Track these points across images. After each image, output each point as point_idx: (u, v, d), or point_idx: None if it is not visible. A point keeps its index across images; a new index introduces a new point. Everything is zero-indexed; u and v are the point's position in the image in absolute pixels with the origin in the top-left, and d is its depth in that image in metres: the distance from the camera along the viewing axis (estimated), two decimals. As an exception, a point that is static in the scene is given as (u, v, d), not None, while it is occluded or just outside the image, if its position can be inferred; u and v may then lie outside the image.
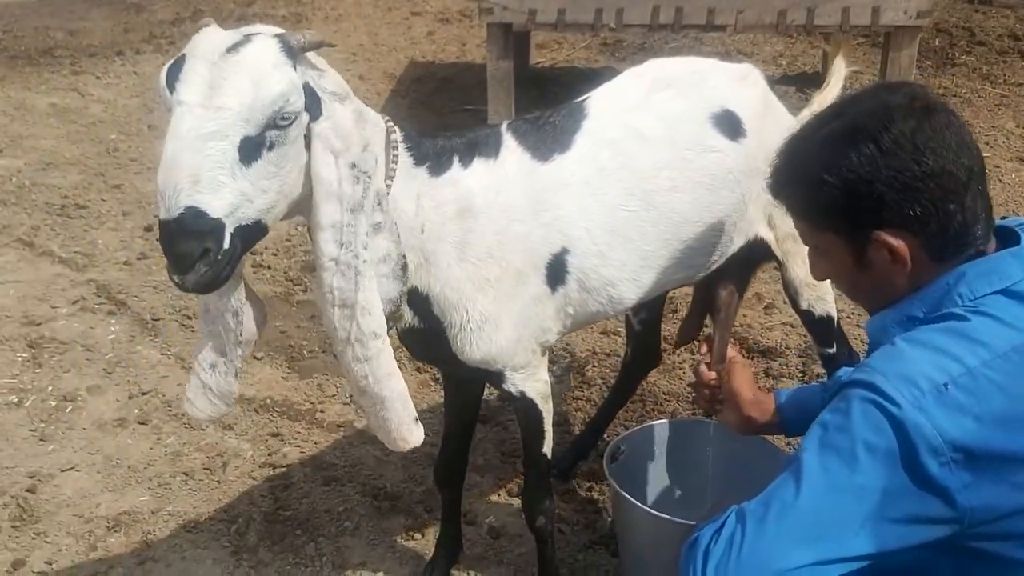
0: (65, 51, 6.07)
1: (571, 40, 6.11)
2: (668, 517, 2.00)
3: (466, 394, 2.32)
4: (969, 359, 1.30)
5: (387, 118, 1.77)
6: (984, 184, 1.42)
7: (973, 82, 5.34)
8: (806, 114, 2.37)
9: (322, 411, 3.10)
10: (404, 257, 1.72)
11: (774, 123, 2.17)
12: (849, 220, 1.42)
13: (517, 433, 2.94)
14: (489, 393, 2.80)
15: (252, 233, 1.54)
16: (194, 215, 1.43)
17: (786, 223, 2.24)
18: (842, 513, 1.29)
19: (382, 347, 1.68)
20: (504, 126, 1.95)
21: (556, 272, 1.93)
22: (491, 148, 1.88)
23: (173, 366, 3.28)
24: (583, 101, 2.02)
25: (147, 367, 3.27)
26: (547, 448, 2.14)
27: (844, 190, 1.39)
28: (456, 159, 1.84)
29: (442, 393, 3.09)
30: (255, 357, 3.34)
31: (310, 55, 1.58)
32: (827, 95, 2.39)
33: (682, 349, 3.33)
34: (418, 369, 3.26)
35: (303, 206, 1.62)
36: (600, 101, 2.02)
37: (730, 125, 2.06)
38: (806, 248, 2.31)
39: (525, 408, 2.06)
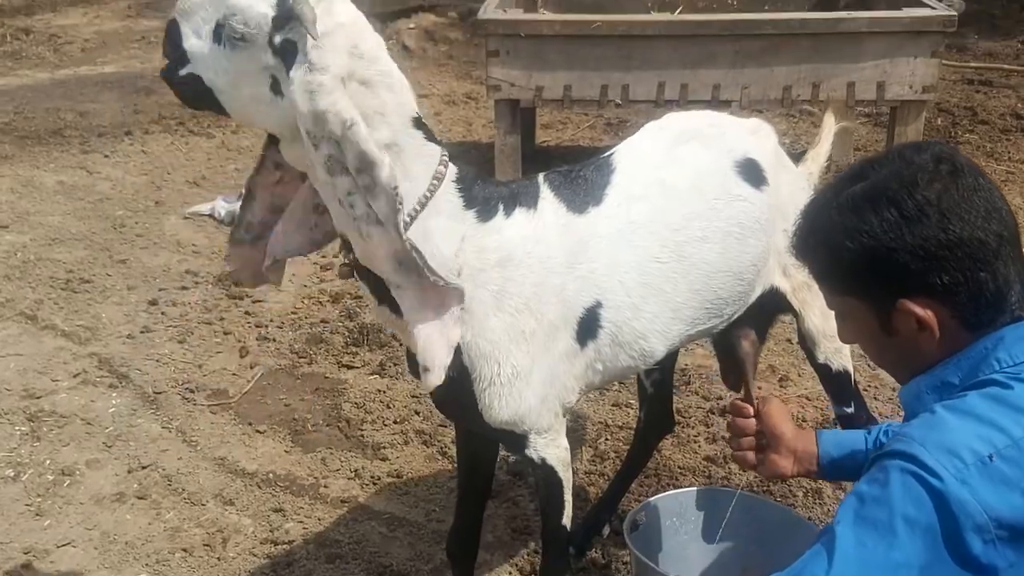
0: (75, 131, 6.13)
1: (575, 120, 6.18)
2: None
3: (481, 460, 2.25)
4: (1015, 430, 1.24)
5: (446, 152, 1.76)
6: (1018, 249, 1.36)
7: (978, 159, 5.36)
8: (802, 171, 2.38)
9: (326, 486, 3.01)
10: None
11: (787, 175, 2.18)
12: (872, 287, 1.38)
13: (528, 509, 2.85)
14: (498, 467, 2.72)
15: (205, 92, 1.68)
16: (174, 30, 1.66)
17: (801, 273, 2.21)
18: None
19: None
20: (541, 178, 1.93)
21: (588, 326, 1.89)
22: (530, 198, 1.87)
23: (174, 440, 3.20)
24: (610, 156, 2.02)
25: (148, 441, 3.19)
26: (567, 519, 2.05)
27: (865, 257, 1.35)
28: (501, 207, 1.82)
29: (451, 468, 3.02)
30: (257, 431, 3.27)
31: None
32: (819, 150, 2.43)
33: (695, 421, 3.26)
34: (425, 443, 3.18)
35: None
36: (626, 155, 2.01)
37: (753, 173, 2.06)
38: (821, 300, 2.28)
39: (545, 476, 1.99)
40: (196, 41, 1.64)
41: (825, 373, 2.35)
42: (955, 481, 1.21)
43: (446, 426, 3.25)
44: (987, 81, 6.70)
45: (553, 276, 1.83)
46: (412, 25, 8.10)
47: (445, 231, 1.73)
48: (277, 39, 1.58)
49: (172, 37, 1.66)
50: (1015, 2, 8.52)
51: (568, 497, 2.03)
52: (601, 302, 1.89)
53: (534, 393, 1.86)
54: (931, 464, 1.23)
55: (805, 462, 1.75)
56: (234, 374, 3.59)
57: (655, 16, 4.66)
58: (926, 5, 4.13)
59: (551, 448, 1.95)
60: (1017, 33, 7.55)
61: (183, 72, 1.67)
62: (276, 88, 1.62)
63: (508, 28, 4.16)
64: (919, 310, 1.34)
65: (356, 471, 3.06)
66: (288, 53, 1.58)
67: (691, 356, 3.56)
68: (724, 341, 2.23)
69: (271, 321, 3.94)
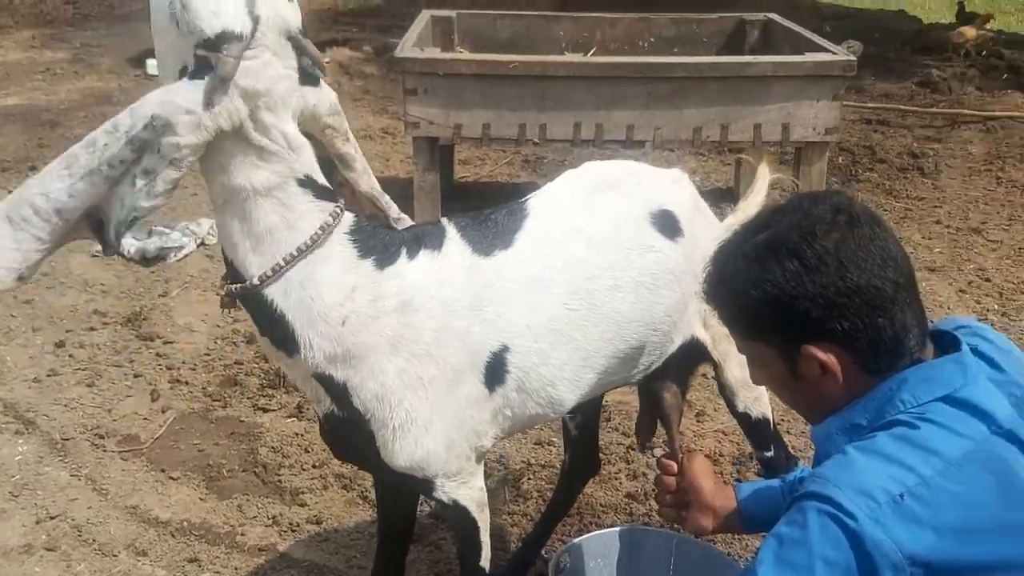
0: (-25, 165, 5.92)
1: (494, 157, 6.23)
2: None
3: (400, 503, 2.23)
4: (923, 468, 1.29)
5: (341, 203, 1.76)
6: (914, 294, 1.42)
7: (877, 197, 5.60)
8: (731, 221, 2.42)
9: (243, 534, 2.94)
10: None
11: (704, 225, 2.22)
12: (777, 333, 1.43)
13: (451, 553, 2.83)
14: (420, 510, 2.70)
15: None
16: None
17: (721, 325, 2.26)
18: None
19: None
20: (446, 220, 1.93)
21: (495, 371, 1.88)
22: (435, 241, 1.86)
23: (84, 488, 3.09)
24: (524, 201, 2.02)
25: (56, 490, 3.07)
26: (484, 561, 2.04)
27: (770, 305, 1.39)
28: (404, 251, 1.82)
29: (372, 512, 2.98)
30: (171, 477, 3.17)
31: None
32: (752, 201, 2.45)
33: (616, 458, 3.30)
34: (345, 487, 3.14)
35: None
36: (541, 202, 2.02)
37: (668, 225, 2.08)
38: None
39: (459, 518, 1.98)
40: None
41: (745, 421, 2.40)
42: (870, 521, 1.25)
43: (361, 475, 3.22)
44: (884, 121, 7.01)
45: (456, 319, 1.82)
46: (327, 59, 8.02)
47: (332, 280, 1.73)
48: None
49: None
50: (908, 45, 8.96)
51: (485, 538, 2.02)
52: (508, 347, 1.88)
53: (435, 439, 1.84)
54: (846, 505, 1.26)
55: (723, 519, 1.79)
56: (145, 418, 3.49)
57: (570, 58, 4.76)
58: (827, 51, 4.31)
59: (463, 489, 1.94)
60: (910, 75, 7.92)
61: None
62: None
63: (425, 67, 4.18)
64: (821, 355, 1.38)
65: (274, 518, 3.00)
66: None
67: (612, 393, 3.59)
68: (647, 394, 2.26)
69: (183, 363, 3.85)
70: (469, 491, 1.95)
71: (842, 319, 1.36)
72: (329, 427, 1.91)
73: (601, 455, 3.23)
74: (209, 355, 3.92)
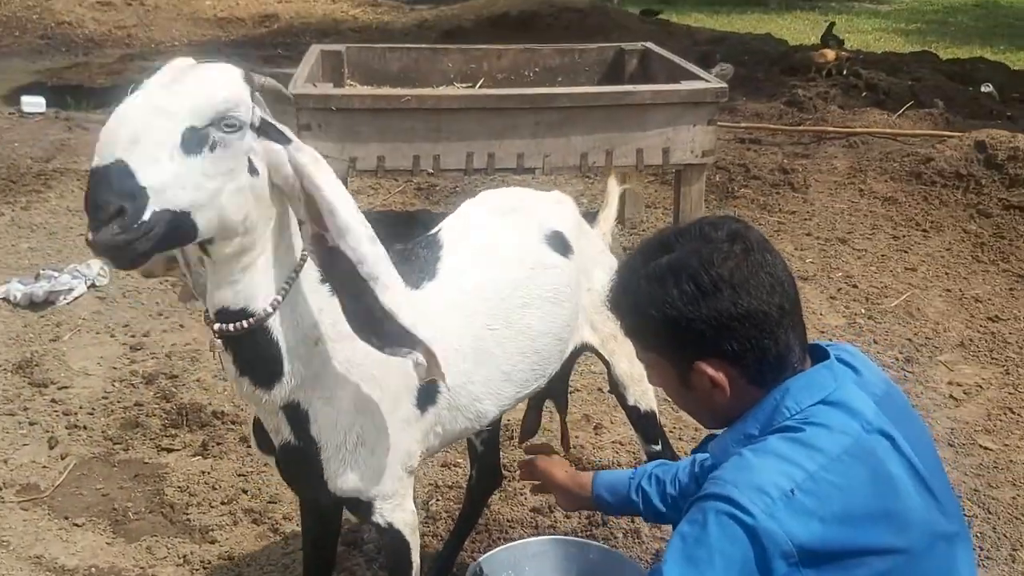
0: None
1: (387, 186, 6.31)
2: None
3: (326, 532, 2.31)
4: (809, 464, 1.43)
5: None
6: (798, 316, 1.56)
7: (753, 212, 5.92)
8: (596, 230, 2.65)
9: (154, 575, 2.93)
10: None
11: (587, 240, 2.45)
12: (673, 349, 1.56)
13: (366, 576, 2.90)
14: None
15: (179, 222, 1.53)
16: (121, 171, 1.45)
17: (607, 326, 2.46)
18: None
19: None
20: None
21: (427, 393, 2.01)
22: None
23: None
24: (436, 233, 2.17)
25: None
26: None
27: (668, 324, 1.52)
28: None
29: (285, 544, 3.02)
30: (75, 524, 3.14)
31: None
32: (608, 212, 2.77)
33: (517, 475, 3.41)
34: (255, 522, 3.16)
35: (256, 235, 1.67)
36: (450, 232, 2.18)
37: (560, 244, 2.29)
38: (628, 346, 2.55)
39: (392, 541, 2.07)
40: (157, 169, 1.48)
41: (635, 415, 2.60)
42: (765, 516, 1.38)
43: (276, 502, 3.25)
44: (756, 139, 7.39)
45: None
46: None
47: (307, 300, 1.81)
48: (256, 119, 1.62)
49: (118, 183, 1.45)
50: (776, 66, 9.46)
51: (416, 559, 2.12)
52: None
53: (379, 461, 1.95)
54: (743, 503, 1.40)
55: (580, 500, 2.09)
56: (44, 466, 3.43)
57: (461, 91, 4.89)
58: (701, 79, 4.57)
59: (397, 512, 2.04)
60: (779, 95, 8.36)
61: (146, 217, 1.46)
62: (252, 169, 1.63)
63: (319, 102, 4.24)
64: (711, 371, 1.53)
65: (184, 557, 3.00)
66: (266, 128, 1.64)
67: (514, 412, 3.72)
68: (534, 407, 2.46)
69: (80, 408, 3.79)
70: (403, 514, 2.05)
71: (732, 340, 1.50)
72: (284, 457, 1.97)
73: (505, 472, 3.36)
74: (107, 398, 3.87)
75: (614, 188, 2.78)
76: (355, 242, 1.65)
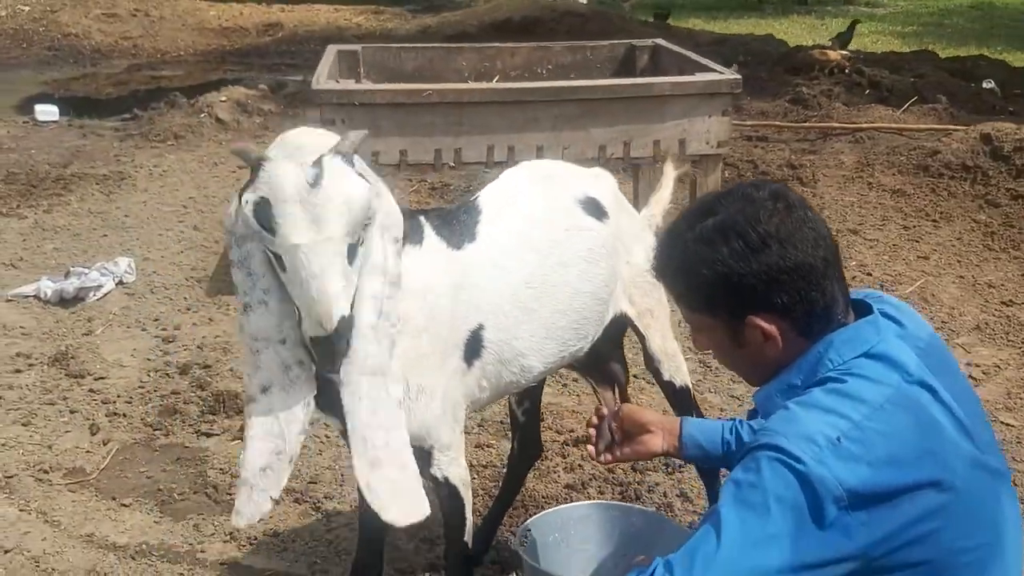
0: None
1: (401, 185, 6.40)
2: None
3: None
4: (853, 414, 1.49)
5: None
6: (839, 270, 1.63)
7: (764, 205, 6.01)
8: (647, 212, 2.72)
9: (203, 551, 3.01)
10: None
11: (626, 216, 2.53)
12: (725, 307, 1.62)
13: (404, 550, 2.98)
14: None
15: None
16: (343, 322, 1.71)
17: (644, 300, 2.55)
18: (759, 562, 1.44)
19: (403, 416, 1.82)
20: (422, 218, 2.14)
21: (473, 347, 2.12)
22: (416, 237, 2.06)
23: (35, 521, 3.10)
24: (475, 199, 2.27)
25: (6, 525, 3.07)
26: (468, 536, 2.24)
27: (719, 282, 1.58)
28: None
29: (328, 521, 3.10)
30: (122, 504, 3.22)
31: None
32: (662, 195, 2.81)
33: (553, 454, 3.50)
34: (297, 501, 3.24)
35: None
36: (490, 197, 2.27)
37: (595, 209, 2.39)
38: (663, 322, 2.62)
39: (449, 495, 2.17)
40: (349, 293, 1.74)
41: (670, 389, 2.68)
42: (815, 463, 1.45)
43: (316, 483, 3.33)
44: (763, 137, 7.50)
45: (443, 300, 2.05)
46: (223, 98, 8.10)
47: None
48: None
49: (343, 329, 1.73)
50: (778, 66, 9.58)
51: (469, 515, 2.21)
52: (484, 324, 2.13)
53: (439, 406, 2.05)
54: (794, 451, 1.46)
55: (671, 438, 2.01)
56: (88, 451, 3.51)
57: (482, 84, 4.99)
58: (714, 71, 4.67)
59: (453, 467, 2.14)
60: (783, 94, 8.47)
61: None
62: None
63: (343, 98, 4.34)
64: (765, 324, 1.59)
65: (231, 534, 3.08)
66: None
67: (543, 396, 3.81)
68: (598, 372, 2.52)
69: (118, 397, 3.87)
70: (458, 469, 2.15)
71: (782, 293, 1.56)
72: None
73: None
74: (143, 387, 3.95)
75: (670, 172, 2.84)
76: (357, 327, 1.81)
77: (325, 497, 3.26)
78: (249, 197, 1.68)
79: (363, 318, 1.76)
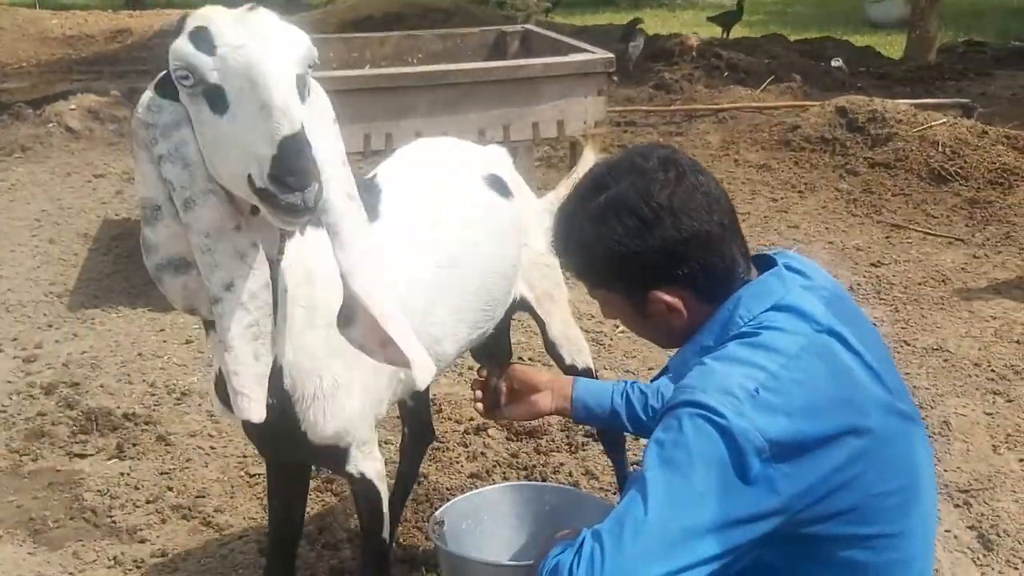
0: None
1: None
2: (510, 563, 2.03)
3: (296, 497, 2.26)
4: (770, 365, 1.47)
5: None
6: (737, 229, 1.61)
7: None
8: (552, 196, 2.65)
9: (86, 579, 2.79)
10: None
11: (525, 197, 2.45)
12: (625, 283, 1.58)
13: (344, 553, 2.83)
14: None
15: None
16: (304, 134, 1.43)
17: (544, 283, 2.48)
18: (688, 523, 1.40)
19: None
20: None
21: None
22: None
23: None
24: (373, 178, 2.12)
25: None
26: (386, 532, 2.12)
27: (617, 260, 1.54)
28: None
29: (220, 536, 2.92)
30: (-9, 538, 2.94)
31: None
32: (573, 179, 2.67)
33: (454, 444, 3.41)
34: (185, 517, 3.03)
35: None
36: (387, 178, 2.13)
37: (500, 186, 2.31)
38: (562, 306, 2.55)
39: (365, 491, 2.05)
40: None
41: (572, 372, 2.59)
42: (735, 415, 1.42)
43: (204, 496, 3.14)
44: (632, 121, 7.63)
45: None
46: (73, 106, 7.66)
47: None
48: None
49: (307, 145, 1.43)
50: (642, 53, 9.77)
51: (386, 510, 2.10)
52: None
53: (356, 404, 1.92)
54: (714, 405, 1.42)
55: (561, 399, 2.00)
56: (-55, 485, 3.20)
57: (353, 72, 4.84)
58: (587, 51, 4.68)
59: (368, 462, 2.01)
60: (647, 80, 8.65)
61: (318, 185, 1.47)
62: None
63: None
64: (667, 297, 1.56)
65: (115, 558, 2.86)
66: None
67: (438, 386, 3.72)
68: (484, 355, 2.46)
69: (-24, 425, 3.56)
70: (373, 463, 2.03)
71: (682, 265, 1.53)
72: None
73: (439, 443, 3.37)
74: (5, 411, 3.65)
75: (590, 157, 2.72)
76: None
77: (215, 511, 3.07)
78: (180, 40, 1.49)
79: (337, 194, 1.63)
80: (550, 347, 2.57)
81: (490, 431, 3.49)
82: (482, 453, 3.36)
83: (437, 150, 2.32)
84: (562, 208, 1.67)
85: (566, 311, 2.57)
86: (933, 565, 1.68)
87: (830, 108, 6.77)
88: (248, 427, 1.96)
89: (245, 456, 3.37)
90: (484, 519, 2.42)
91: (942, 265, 4.93)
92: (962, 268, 4.90)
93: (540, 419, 3.54)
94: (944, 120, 6.32)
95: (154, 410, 3.66)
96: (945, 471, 3.13)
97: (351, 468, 2.00)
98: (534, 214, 2.46)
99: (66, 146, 7.15)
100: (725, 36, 10.52)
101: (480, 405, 2.04)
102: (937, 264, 4.95)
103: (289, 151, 1.42)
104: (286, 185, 1.43)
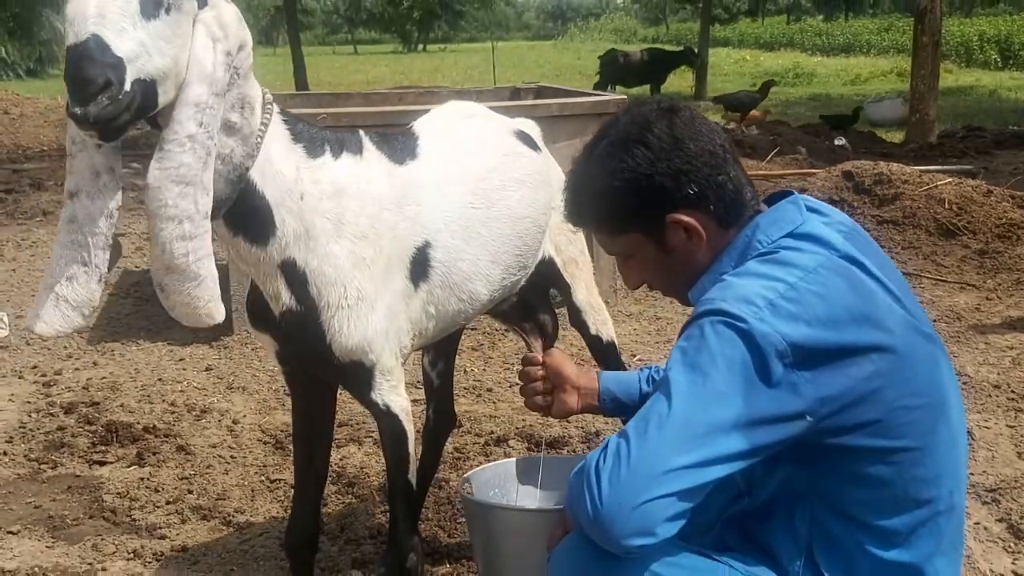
0: None
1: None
2: (539, 508, 2.02)
3: (321, 417, 2.24)
4: (788, 277, 1.52)
5: (266, 90, 1.84)
6: (739, 159, 1.69)
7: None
8: None
9: (104, 569, 2.74)
10: (245, 168, 1.76)
11: (554, 165, 2.54)
12: (642, 214, 1.64)
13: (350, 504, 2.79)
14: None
15: (147, 92, 1.56)
16: (99, 44, 1.49)
17: (570, 249, 2.54)
18: (713, 418, 1.43)
19: (208, 228, 1.67)
20: (362, 133, 2.06)
21: (420, 267, 2.03)
22: (355, 147, 1.99)
23: (-93, 552, 2.76)
24: (409, 128, 2.21)
25: None
26: (412, 475, 2.11)
27: (631, 189, 1.61)
28: (328, 148, 1.93)
29: (240, 534, 2.89)
30: (9, 532, 2.91)
31: None
32: None
33: (475, 454, 3.39)
34: (204, 518, 3.00)
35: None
36: (424, 127, 2.23)
37: (528, 140, 2.42)
38: (587, 273, 2.59)
39: (391, 426, 2.05)
40: (126, 39, 1.51)
41: (597, 344, 2.64)
42: (756, 320, 1.46)
43: (224, 498, 3.12)
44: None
45: (385, 212, 1.97)
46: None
47: (283, 157, 1.83)
48: None
49: (100, 55, 1.48)
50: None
51: (412, 450, 2.09)
52: (430, 242, 2.05)
53: (379, 320, 1.95)
54: (734, 311, 1.47)
55: (588, 397, 1.97)
56: (-36, 490, 3.19)
57: (372, 108, 5.00)
58: (600, 94, 4.84)
59: (394, 395, 2.03)
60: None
61: (126, 88, 1.51)
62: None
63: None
64: (685, 218, 1.61)
65: (135, 551, 2.82)
66: None
67: (460, 403, 3.71)
68: (525, 320, 2.47)
69: (-2, 437, 3.56)
70: (399, 398, 2.04)
71: (691, 184, 1.60)
72: (284, 324, 1.95)
73: (459, 454, 3.36)
74: (24, 427, 3.65)
75: None
76: (174, 132, 1.62)
77: (235, 511, 3.04)
78: None
79: (183, 126, 1.60)
80: (574, 315, 2.60)
81: (510, 442, 3.48)
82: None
83: (469, 109, 2.43)
84: (572, 167, 1.74)
85: (590, 279, 2.61)
86: (964, 491, 1.68)
87: (836, 173, 6.89)
88: (277, 339, 1.98)
89: (265, 465, 3.35)
90: (511, 490, 2.41)
91: (956, 306, 4.97)
92: (976, 308, 4.94)
93: (561, 428, 3.56)
94: (949, 180, 6.45)
95: (174, 425, 3.66)
96: (972, 474, 3.10)
97: (376, 397, 2.01)
98: (560, 179, 2.53)
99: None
100: (740, 119, 10.75)
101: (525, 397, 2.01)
102: (951, 305, 4.99)
103: (69, 60, 1.50)
104: (71, 94, 1.50)
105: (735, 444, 1.43)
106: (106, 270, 1.70)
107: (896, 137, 11.72)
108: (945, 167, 7.64)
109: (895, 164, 6.83)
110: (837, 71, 24.51)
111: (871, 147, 10.32)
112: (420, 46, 47.43)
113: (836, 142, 9.50)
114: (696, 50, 18.54)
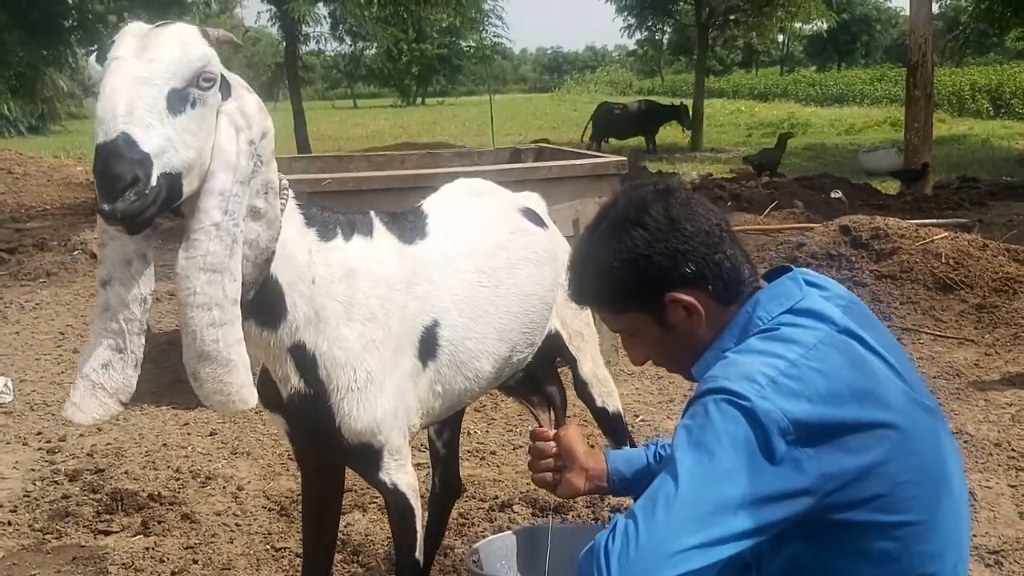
0: None
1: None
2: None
3: (329, 497, 2.27)
4: (789, 354, 1.55)
5: (282, 176, 1.88)
6: (736, 237, 1.73)
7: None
8: None
9: (109, 644, 2.73)
10: (271, 252, 1.80)
11: (559, 240, 2.58)
12: (642, 293, 1.68)
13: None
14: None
15: (173, 185, 1.60)
16: (127, 141, 1.53)
17: (576, 322, 2.57)
18: (719, 497, 1.45)
19: (238, 313, 1.70)
20: (372, 214, 2.11)
21: (428, 346, 2.06)
22: (366, 229, 2.04)
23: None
24: (419, 207, 2.26)
25: None
26: (419, 552, 2.12)
27: (630, 270, 1.65)
28: (340, 231, 1.97)
29: None
30: (14, 607, 2.91)
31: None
32: None
33: (479, 519, 3.40)
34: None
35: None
36: (432, 206, 2.28)
37: (533, 216, 2.47)
38: (592, 346, 2.62)
39: (398, 504, 2.07)
40: (154, 134, 1.56)
41: (604, 416, 2.66)
42: (758, 398, 1.48)
43: (230, 568, 3.11)
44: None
45: (396, 292, 2.01)
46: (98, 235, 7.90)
47: (297, 241, 1.87)
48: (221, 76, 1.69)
49: (128, 153, 1.52)
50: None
51: (420, 527, 2.10)
52: (438, 321, 2.09)
53: (388, 402, 1.97)
54: (737, 389, 1.50)
55: (596, 479, 1.95)
56: (-33, 563, 3.18)
57: (382, 172, 5.07)
58: (599, 156, 4.91)
59: (402, 473, 2.05)
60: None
61: (152, 183, 1.54)
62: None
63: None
64: (684, 296, 1.65)
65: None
66: (224, 85, 1.71)
67: (464, 469, 3.72)
68: (533, 393, 2.50)
69: (1, 507, 3.55)
70: (406, 476, 2.06)
71: (688, 263, 1.64)
72: (293, 406, 1.97)
73: (464, 519, 3.36)
74: (29, 495, 3.65)
75: None
76: (200, 221, 1.66)
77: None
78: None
79: (208, 214, 1.64)
80: (581, 387, 2.63)
81: (515, 507, 3.48)
82: (507, 527, 3.33)
83: (477, 187, 2.47)
84: (574, 251, 1.79)
85: (596, 352, 2.64)
86: (967, 564, 1.69)
87: (833, 227, 6.96)
88: (286, 420, 2.01)
89: (271, 533, 3.35)
90: (516, 560, 2.42)
91: (955, 362, 4.99)
92: (975, 364, 4.96)
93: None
94: (945, 234, 6.51)
95: (179, 492, 3.66)
96: (974, 536, 3.10)
97: (384, 476, 2.03)
98: (566, 253, 2.58)
99: (91, 271, 7.34)
100: (758, 175, 10.77)
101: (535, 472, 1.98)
102: (950, 361, 5.01)
103: (98, 157, 1.53)
104: (100, 190, 1.54)
105: (742, 523, 1.45)
106: (141, 356, 1.72)
107: (892, 188, 11.85)
108: (941, 220, 7.71)
109: (892, 219, 6.91)
110: (831, 121, 24.85)
111: (867, 199, 10.43)
112: (419, 99, 48.04)
113: (832, 195, 9.61)
114: (689, 108, 18.80)
